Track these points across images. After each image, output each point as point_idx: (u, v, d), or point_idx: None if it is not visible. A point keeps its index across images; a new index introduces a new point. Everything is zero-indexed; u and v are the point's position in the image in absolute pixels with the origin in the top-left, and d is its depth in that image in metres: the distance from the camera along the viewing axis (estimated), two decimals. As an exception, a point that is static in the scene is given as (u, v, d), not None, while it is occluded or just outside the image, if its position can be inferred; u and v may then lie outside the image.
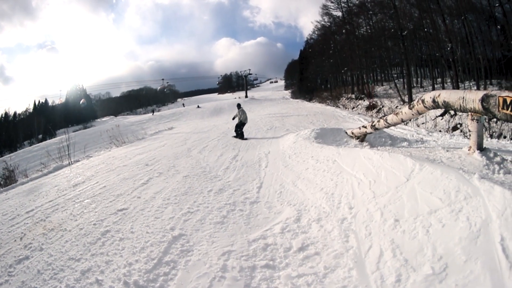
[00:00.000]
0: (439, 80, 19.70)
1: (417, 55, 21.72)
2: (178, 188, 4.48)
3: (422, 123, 12.95)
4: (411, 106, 4.75)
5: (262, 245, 2.68)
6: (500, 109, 3.04)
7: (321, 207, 3.21)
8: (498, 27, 16.82)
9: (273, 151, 6.49)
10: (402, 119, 5.00)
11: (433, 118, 12.93)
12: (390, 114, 5.42)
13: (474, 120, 3.53)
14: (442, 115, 12.62)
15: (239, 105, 11.15)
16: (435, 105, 4.11)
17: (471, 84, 16.57)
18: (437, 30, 18.02)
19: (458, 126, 11.56)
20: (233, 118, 11.11)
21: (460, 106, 3.58)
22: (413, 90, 19.29)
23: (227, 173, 5.15)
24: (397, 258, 2.14)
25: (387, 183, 3.07)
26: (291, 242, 2.69)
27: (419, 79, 22.21)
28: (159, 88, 45.59)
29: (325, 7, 28.84)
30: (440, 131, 11.68)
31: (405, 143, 6.03)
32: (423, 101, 4.39)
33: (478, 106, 3.32)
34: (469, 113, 3.58)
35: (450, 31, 17.45)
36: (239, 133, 10.25)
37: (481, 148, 3.53)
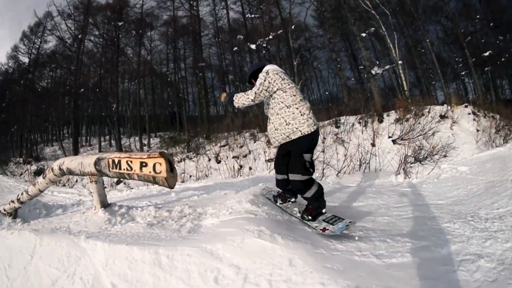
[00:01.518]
0: (107, 137, 21.50)
1: (86, 113, 22.45)
2: None
3: (87, 183, 12.91)
4: (45, 175, 4.34)
5: None
6: (110, 169, 3.50)
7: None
8: (169, 89, 22.33)
9: None
10: (39, 189, 4.42)
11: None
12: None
13: (93, 182, 3.86)
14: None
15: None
16: (62, 172, 4.03)
17: (136, 138, 19.97)
18: (112, 91, 20.03)
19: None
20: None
21: (80, 171, 3.76)
22: (82, 150, 19.33)
23: None
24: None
25: (17, 265, 2.92)
26: None
27: (89, 137, 22.74)
28: None
29: (15, 48, 22.91)
30: (105, 187, 12.15)
31: (60, 210, 5.37)
32: (52, 169, 4.14)
33: (92, 169, 3.68)
34: (88, 176, 3.88)
35: (124, 91, 20.28)
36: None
37: (105, 205, 3.87)
